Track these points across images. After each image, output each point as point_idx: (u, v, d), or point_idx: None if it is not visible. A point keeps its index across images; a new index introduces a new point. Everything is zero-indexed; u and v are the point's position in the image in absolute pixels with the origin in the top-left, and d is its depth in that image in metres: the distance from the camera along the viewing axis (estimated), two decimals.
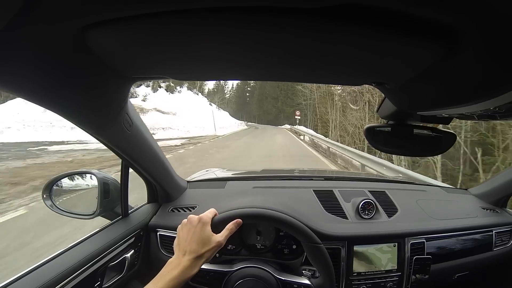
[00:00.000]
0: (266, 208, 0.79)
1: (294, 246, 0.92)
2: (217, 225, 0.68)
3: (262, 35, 0.34)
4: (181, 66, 0.49)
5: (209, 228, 0.65)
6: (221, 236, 0.65)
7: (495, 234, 1.15)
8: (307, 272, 0.79)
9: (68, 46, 0.36)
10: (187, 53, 0.41)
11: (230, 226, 0.68)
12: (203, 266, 0.65)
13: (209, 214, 0.69)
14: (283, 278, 0.77)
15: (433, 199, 1.24)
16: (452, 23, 0.29)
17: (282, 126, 39.66)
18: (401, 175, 4.20)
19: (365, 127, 0.77)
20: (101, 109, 0.57)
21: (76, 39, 0.35)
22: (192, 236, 0.64)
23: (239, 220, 0.70)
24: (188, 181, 1.22)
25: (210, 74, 0.59)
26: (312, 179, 1.30)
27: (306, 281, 0.77)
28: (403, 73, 0.46)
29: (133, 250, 0.89)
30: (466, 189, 1.42)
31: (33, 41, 0.33)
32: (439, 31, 0.30)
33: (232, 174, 1.48)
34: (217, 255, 0.91)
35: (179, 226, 0.68)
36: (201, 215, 0.67)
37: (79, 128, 0.59)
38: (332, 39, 0.35)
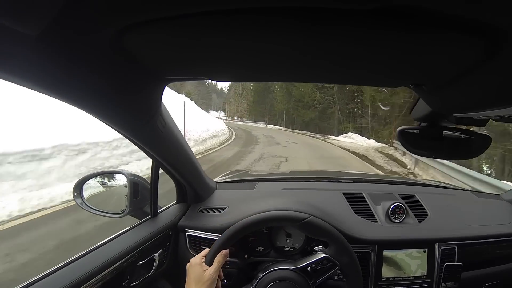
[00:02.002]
0: (291, 210, 0.81)
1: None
2: (211, 256, 0.75)
3: (303, 37, 0.34)
4: (216, 68, 0.50)
5: (199, 267, 0.73)
6: (211, 270, 0.72)
7: None
8: (319, 247, 0.81)
9: (107, 48, 0.36)
10: (223, 55, 0.42)
11: (218, 259, 0.74)
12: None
13: (202, 254, 0.77)
14: (301, 265, 0.77)
15: (464, 204, 1.20)
16: (494, 23, 0.28)
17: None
18: None
19: (397, 129, 0.76)
20: (137, 111, 0.58)
21: (114, 41, 0.35)
22: (189, 278, 0.73)
23: (225, 251, 0.76)
24: (217, 182, 1.22)
25: (247, 75, 0.59)
26: (341, 181, 1.29)
27: (322, 255, 0.78)
28: (442, 74, 0.45)
29: (161, 250, 0.90)
30: (498, 194, 1.37)
31: (72, 42, 0.33)
32: (480, 30, 0.30)
33: (261, 176, 1.48)
34: (246, 256, 0.91)
35: (187, 265, 0.75)
36: (194, 258, 0.76)
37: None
38: (374, 41, 0.35)
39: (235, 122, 41.55)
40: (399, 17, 0.29)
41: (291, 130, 30.10)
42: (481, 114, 0.56)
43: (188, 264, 0.75)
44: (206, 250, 0.78)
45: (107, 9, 0.29)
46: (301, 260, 0.78)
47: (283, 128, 33.44)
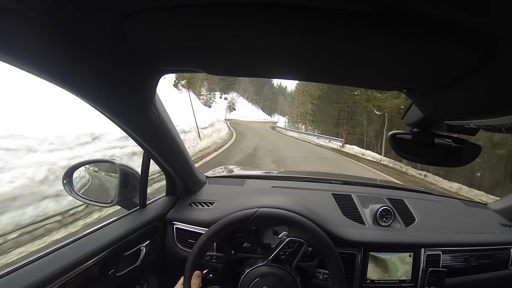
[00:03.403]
0: (281, 208, 0.80)
1: (310, 248, 0.91)
2: (187, 280, 0.74)
3: (296, 33, 0.34)
4: (211, 60, 0.49)
5: None
6: None
7: None
8: (282, 233, 0.82)
9: (107, 33, 0.36)
10: (219, 48, 0.41)
11: (194, 282, 0.75)
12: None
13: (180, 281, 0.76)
14: (272, 256, 0.78)
15: (451, 211, 1.22)
16: (488, 30, 0.28)
17: None
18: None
19: (389, 133, 0.76)
20: (131, 99, 0.58)
21: (114, 26, 0.35)
22: None
23: (198, 272, 0.76)
24: (207, 177, 1.22)
25: (242, 71, 0.59)
26: (331, 182, 1.29)
27: (286, 239, 0.79)
28: (435, 80, 0.45)
29: (148, 241, 0.90)
30: (485, 204, 1.39)
31: (71, 25, 0.33)
32: (475, 38, 0.30)
33: (251, 173, 1.48)
34: (233, 252, 0.91)
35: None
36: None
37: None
38: (368, 43, 0.35)
39: (286, 133, 24.61)
40: (394, 20, 0.30)
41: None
42: (472, 122, 0.57)
43: None
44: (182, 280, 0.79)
45: None
46: (271, 252, 0.79)
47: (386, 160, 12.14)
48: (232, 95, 64.58)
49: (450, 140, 0.73)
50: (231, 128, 18.79)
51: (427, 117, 0.68)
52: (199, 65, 0.53)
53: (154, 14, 0.33)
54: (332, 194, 1.12)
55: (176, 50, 0.45)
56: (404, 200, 1.14)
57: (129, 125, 0.67)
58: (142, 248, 0.87)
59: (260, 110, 79.32)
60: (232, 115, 51.06)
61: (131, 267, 0.83)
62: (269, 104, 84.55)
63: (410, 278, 0.96)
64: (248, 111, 64.73)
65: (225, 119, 24.02)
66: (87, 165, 1.00)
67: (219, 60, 0.49)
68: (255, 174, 1.39)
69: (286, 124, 40.97)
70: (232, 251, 0.91)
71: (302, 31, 0.34)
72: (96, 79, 0.46)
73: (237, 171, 1.47)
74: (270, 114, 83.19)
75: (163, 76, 0.60)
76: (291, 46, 0.39)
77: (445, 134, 0.74)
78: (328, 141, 17.80)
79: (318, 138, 19.86)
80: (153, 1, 0.31)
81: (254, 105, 77.32)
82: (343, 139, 16.38)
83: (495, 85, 0.37)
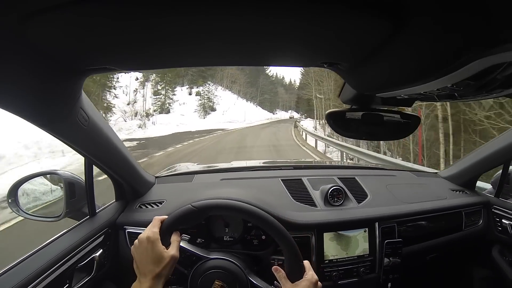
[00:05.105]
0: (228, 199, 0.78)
1: (263, 237, 0.92)
2: (167, 233, 0.68)
3: (209, 17, 0.33)
4: (128, 56, 0.48)
5: (159, 244, 0.64)
6: (172, 249, 0.66)
7: (464, 215, 1.18)
8: (278, 284, 0.75)
9: (7, 40, 0.34)
10: (132, 42, 0.40)
11: (175, 238, 0.68)
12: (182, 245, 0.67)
13: (154, 229, 0.67)
14: (254, 282, 0.74)
15: (403, 183, 1.27)
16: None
17: None
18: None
19: (327, 112, 0.77)
20: (51, 104, 0.55)
21: (14, 31, 0.33)
22: (146, 257, 0.63)
23: (177, 232, 0.69)
24: (156, 177, 1.21)
25: (156, 62, 0.57)
26: (281, 169, 1.31)
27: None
28: (353, 52, 0.45)
29: (101, 250, 0.87)
30: (435, 172, 1.46)
31: None
32: (384, 6, 0.30)
33: (200, 168, 1.47)
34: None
35: (132, 247, 0.67)
36: (147, 233, 0.66)
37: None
38: (279, 18, 0.33)
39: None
40: None
41: None
42: (402, 92, 0.58)
43: (142, 240, 0.65)
44: (157, 219, 0.69)
45: None
46: (255, 276, 0.77)
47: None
48: (210, 88, 42.33)
49: (398, 116, 0.76)
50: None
51: (359, 92, 0.70)
52: (117, 63, 0.51)
53: (55, 12, 0.31)
54: (282, 180, 1.14)
55: (86, 49, 0.43)
56: (356, 178, 1.18)
57: (59, 132, 0.64)
58: (95, 257, 0.84)
59: (259, 107, 59.02)
60: (213, 120, 33.95)
61: (86, 279, 0.80)
62: (268, 98, 66.17)
63: (368, 253, 0.99)
64: (239, 110, 42.82)
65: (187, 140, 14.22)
66: (31, 180, 0.96)
67: (132, 54, 0.48)
68: (204, 169, 1.38)
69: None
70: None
71: (206, 12, 0.32)
72: (9, 87, 0.43)
73: (187, 167, 1.46)
74: (271, 110, 65.75)
75: (86, 77, 0.58)
76: (194, 31, 0.37)
77: (389, 109, 0.77)
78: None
79: None
80: (42, 1, 0.29)
81: (248, 100, 56.19)
82: None
83: (411, 52, 0.38)
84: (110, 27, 0.35)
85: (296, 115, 55.67)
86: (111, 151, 0.84)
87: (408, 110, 0.83)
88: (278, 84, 77.43)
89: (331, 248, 0.96)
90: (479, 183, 1.39)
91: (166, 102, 32.44)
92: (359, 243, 0.99)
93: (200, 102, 38.76)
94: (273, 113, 64.12)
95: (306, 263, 0.70)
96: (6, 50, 0.36)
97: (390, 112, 0.75)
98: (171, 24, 0.35)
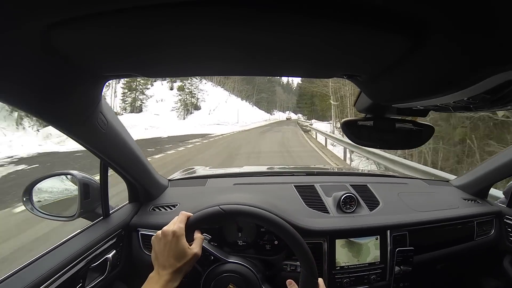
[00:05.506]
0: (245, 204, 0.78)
1: (276, 242, 0.92)
2: (192, 230, 0.69)
3: (230, 29, 0.34)
4: (151, 64, 0.49)
5: (183, 241, 0.65)
6: (196, 247, 0.66)
7: (476, 224, 1.17)
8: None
9: (33, 46, 0.35)
10: (156, 51, 0.41)
11: (199, 235, 0.69)
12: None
13: (181, 224, 0.67)
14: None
15: (415, 191, 1.26)
16: (417, 15, 0.29)
17: None
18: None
19: (342, 120, 0.77)
20: (73, 108, 0.56)
21: (40, 39, 0.34)
22: (169, 251, 0.63)
23: (199, 230, 0.70)
24: (169, 180, 1.21)
25: (181, 71, 0.58)
26: (294, 175, 1.31)
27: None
28: (372, 66, 0.46)
29: (114, 251, 0.88)
30: (447, 181, 1.45)
31: None
32: (404, 23, 0.31)
33: (213, 172, 1.48)
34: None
35: (153, 237, 0.67)
36: (174, 228, 0.66)
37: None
38: (299, 32, 0.34)
39: None
40: (325, 6, 0.29)
41: None
42: (418, 104, 0.59)
43: (167, 233, 0.65)
44: (184, 215, 0.69)
45: (26, 8, 0.28)
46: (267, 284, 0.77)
47: None
48: (194, 81, 32.59)
49: (411, 124, 0.75)
50: None
51: (375, 103, 0.70)
52: (139, 70, 0.52)
53: (80, 22, 0.32)
54: (295, 186, 1.14)
55: (110, 56, 0.44)
56: (368, 185, 1.18)
57: (77, 135, 0.66)
58: (108, 258, 0.85)
59: (255, 107, 54.38)
60: (195, 122, 25.82)
61: (99, 279, 0.81)
62: (266, 97, 62.46)
63: (379, 260, 0.99)
64: (231, 110, 34.87)
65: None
66: (46, 179, 0.97)
67: (156, 64, 0.49)
68: (217, 174, 1.39)
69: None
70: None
71: (232, 26, 0.33)
72: (32, 93, 0.45)
73: (199, 171, 1.47)
74: (269, 111, 62.55)
75: (106, 82, 0.59)
76: (222, 43, 0.38)
77: (402, 118, 0.77)
78: None
79: None
80: (76, 10, 0.30)
81: (244, 99, 50.76)
82: None
83: (430, 67, 0.39)
84: (131, 37, 0.36)
85: (294, 116, 54.76)
86: (127, 154, 0.85)
87: (425, 121, 0.83)
88: (275, 83, 74.59)
89: (343, 255, 0.96)
90: (492, 191, 1.38)
91: (138, 98, 25.06)
92: (371, 250, 0.99)
93: (179, 98, 30.28)
94: (271, 114, 61.78)
95: (320, 281, 0.70)
96: (27, 57, 0.37)
97: (403, 121, 0.75)
98: (189, 33, 0.36)
